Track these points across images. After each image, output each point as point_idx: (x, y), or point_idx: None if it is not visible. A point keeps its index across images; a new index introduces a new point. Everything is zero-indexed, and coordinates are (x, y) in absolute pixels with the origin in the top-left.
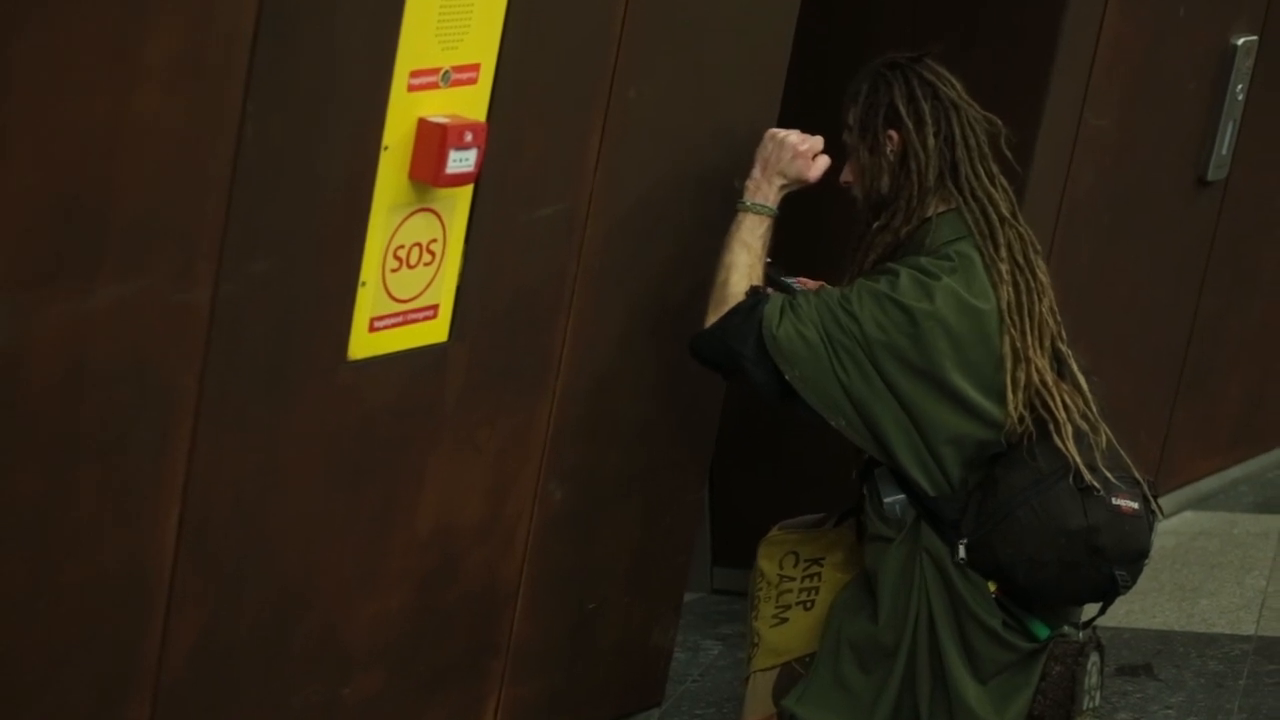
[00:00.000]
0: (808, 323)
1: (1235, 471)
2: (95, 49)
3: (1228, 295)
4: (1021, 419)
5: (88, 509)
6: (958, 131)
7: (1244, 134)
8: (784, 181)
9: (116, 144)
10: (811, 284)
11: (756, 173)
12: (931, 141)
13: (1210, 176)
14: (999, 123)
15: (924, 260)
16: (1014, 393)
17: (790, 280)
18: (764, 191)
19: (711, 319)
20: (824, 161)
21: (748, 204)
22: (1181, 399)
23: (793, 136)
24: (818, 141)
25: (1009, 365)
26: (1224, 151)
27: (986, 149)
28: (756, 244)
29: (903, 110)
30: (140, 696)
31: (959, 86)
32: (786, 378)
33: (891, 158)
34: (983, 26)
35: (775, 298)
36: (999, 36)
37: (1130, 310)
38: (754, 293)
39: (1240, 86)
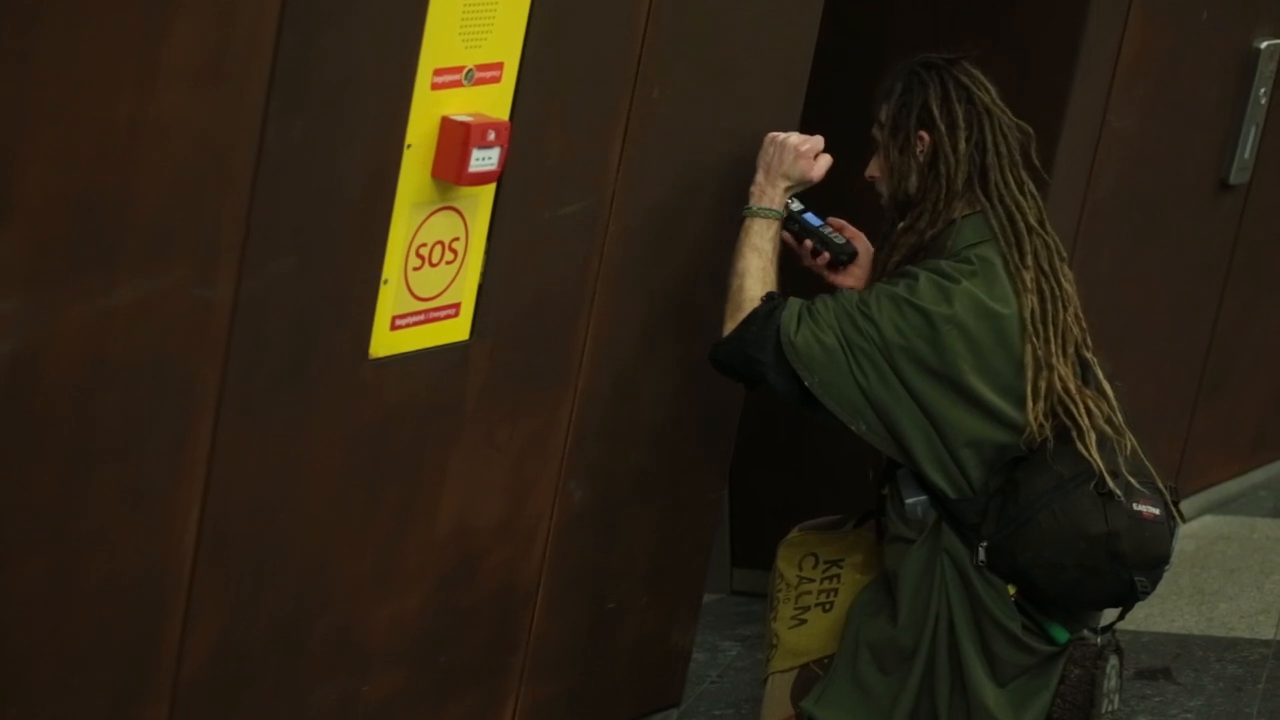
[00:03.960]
0: (825, 328)
1: (1255, 476)
2: (118, 48)
3: (1249, 299)
4: (1041, 427)
5: (107, 507)
6: (989, 138)
7: (1267, 138)
8: (788, 183)
9: (139, 142)
10: (839, 222)
11: (760, 177)
12: (963, 146)
13: (1232, 180)
14: (1031, 131)
15: (944, 264)
16: (1034, 401)
17: (820, 225)
18: (769, 195)
19: (729, 326)
20: (826, 160)
21: (754, 209)
22: (1202, 403)
23: (793, 138)
24: (818, 141)
25: (1030, 374)
26: (1246, 156)
27: (1018, 157)
28: (767, 247)
29: (936, 112)
30: (158, 696)
31: (994, 92)
32: (806, 384)
33: (921, 159)
34: (1005, 29)
35: (792, 303)
36: (1022, 39)
37: (1151, 314)
38: (769, 298)
39: (1263, 90)
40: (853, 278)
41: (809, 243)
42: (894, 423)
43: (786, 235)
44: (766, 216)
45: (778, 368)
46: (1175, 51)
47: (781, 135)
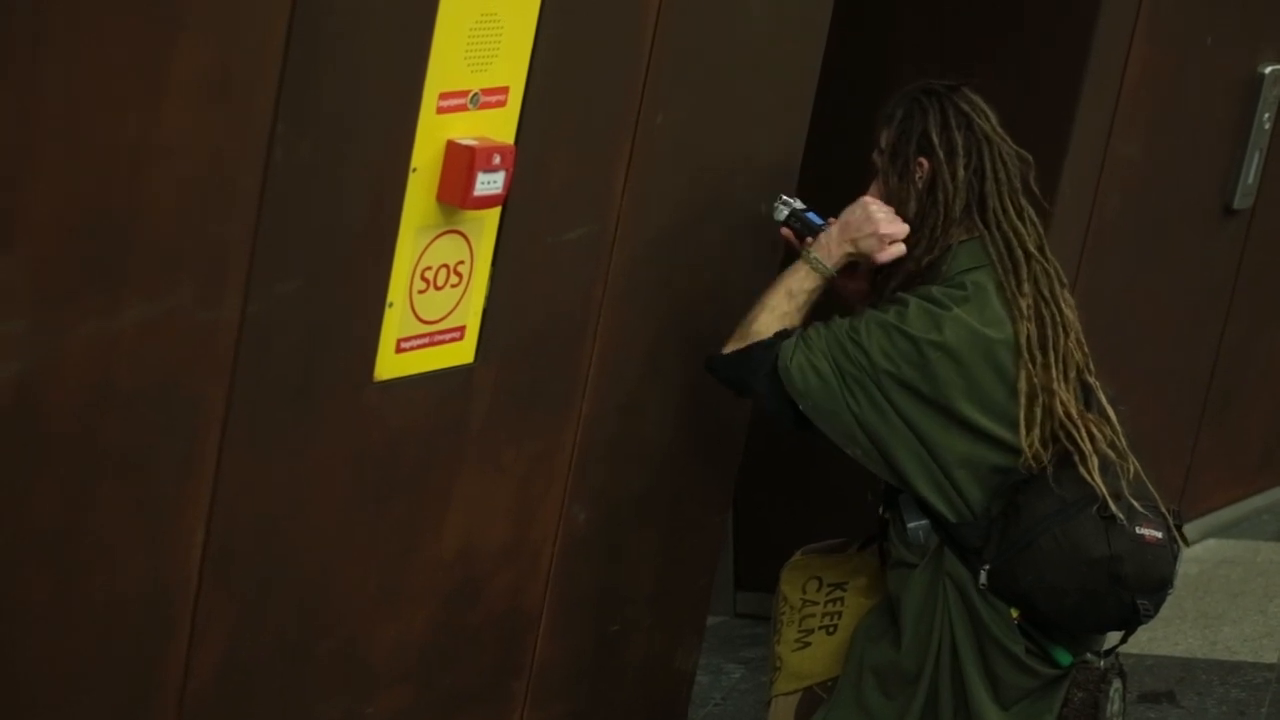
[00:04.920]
0: (819, 354)
1: (1258, 500)
2: (124, 70)
3: (1253, 323)
4: (1038, 454)
5: (113, 527)
6: (988, 165)
7: (1270, 163)
8: (853, 251)
9: (144, 163)
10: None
11: (835, 231)
12: (961, 173)
13: (1236, 205)
14: (1030, 159)
15: (935, 290)
16: (1029, 429)
17: (822, 224)
18: (832, 252)
19: (731, 346)
20: (897, 249)
21: (811, 256)
22: (1206, 427)
23: (881, 214)
24: (902, 229)
25: (1024, 400)
26: (1250, 180)
27: (1017, 184)
28: (801, 296)
29: (935, 139)
30: (164, 713)
31: (994, 119)
32: (800, 408)
33: (920, 185)
34: (1010, 54)
35: (792, 336)
36: (1027, 64)
37: (1155, 338)
38: (781, 335)
39: (1267, 115)
40: (856, 282)
41: (810, 240)
42: (887, 448)
43: (786, 231)
44: (818, 269)
45: (772, 392)
46: (1179, 76)
47: (875, 206)
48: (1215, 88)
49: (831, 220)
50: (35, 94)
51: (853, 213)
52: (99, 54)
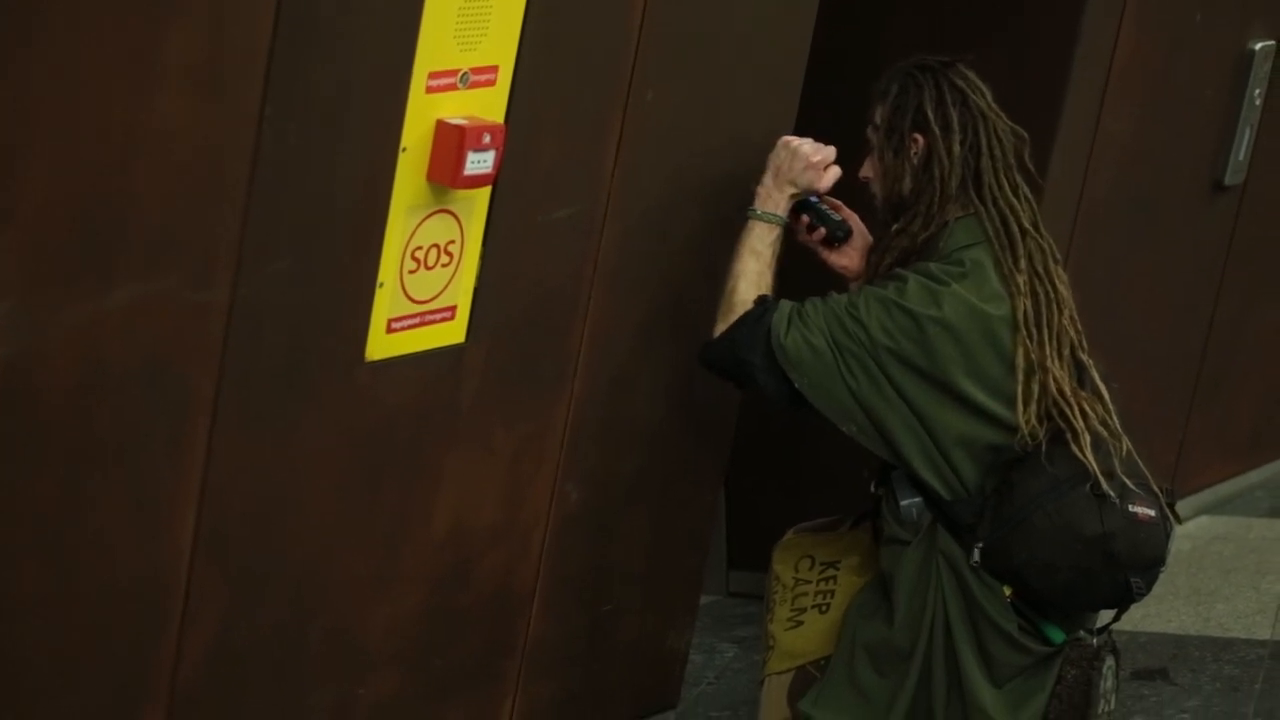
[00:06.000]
0: (815, 331)
1: (1251, 476)
2: (115, 54)
3: (1244, 300)
4: (1034, 430)
5: (104, 511)
6: (984, 141)
7: (1261, 139)
8: (794, 191)
9: (135, 147)
10: (835, 202)
11: (768, 180)
12: (957, 149)
13: (1228, 181)
14: (1025, 135)
15: (934, 266)
16: (1025, 405)
17: (818, 201)
18: (775, 200)
19: (720, 328)
20: (835, 173)
21: (758, 212)
22: (1198, 404)
23: (806, 146)
24: (830, 152)
25: (1021, 377)
26: (1241, 156)
27: (1011, 160)
28: (766, 252)
29: (931, 115)
30: (156, 699)
31: (989, 95)
32: (796, 385)
33: (915, 161)
34: (1000, 31)
35: (782, 305)
36: (1016, 42)
37: (1147, 315)
38: (761, 301)
39: (1258, 91)
40: (846, 257)
41: (805, 218)
42: (884, 424)
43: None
44: (769, 221)
45: (767, 369)
46: (1169, 54)
47: (795, 141)
48: (1206, 64)
49: (826, 199)
50: (28, 80)
51: (778, 156)
52: (90, 40)
